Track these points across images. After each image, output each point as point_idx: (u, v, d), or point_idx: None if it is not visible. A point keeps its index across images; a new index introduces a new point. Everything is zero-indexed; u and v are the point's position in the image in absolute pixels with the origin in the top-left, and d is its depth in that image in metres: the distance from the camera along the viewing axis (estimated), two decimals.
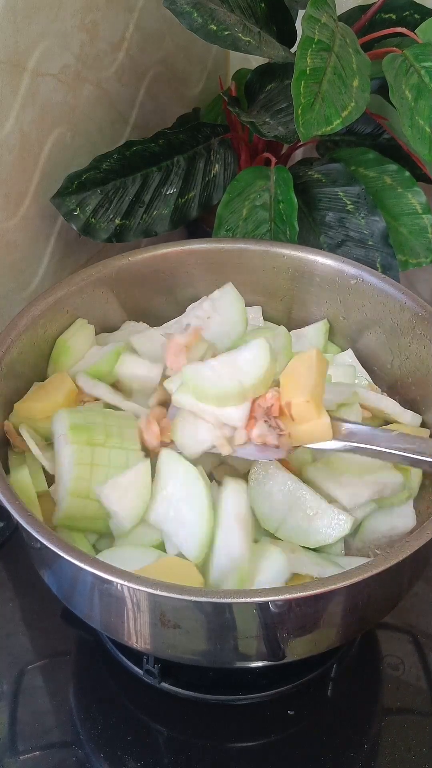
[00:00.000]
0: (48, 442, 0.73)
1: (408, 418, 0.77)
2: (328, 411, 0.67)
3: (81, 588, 0.64)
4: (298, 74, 0.76)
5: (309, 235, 0.89)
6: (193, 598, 0.57)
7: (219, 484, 0.69)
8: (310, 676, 0.75)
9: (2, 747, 0.71)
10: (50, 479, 0.72)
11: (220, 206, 0.89)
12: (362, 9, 0.93)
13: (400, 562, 0.59)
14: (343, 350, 0.85)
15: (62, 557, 0.59)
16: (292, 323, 0.86)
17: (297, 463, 0.73)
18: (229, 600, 0.57)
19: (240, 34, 0.82)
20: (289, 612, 0.59)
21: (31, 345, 0.77)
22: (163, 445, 0.70)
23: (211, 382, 0.66)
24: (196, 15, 0.79)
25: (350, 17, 0.93)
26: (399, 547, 0.60)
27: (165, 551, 0.67)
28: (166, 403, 0.73)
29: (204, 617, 0.60)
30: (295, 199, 0.85)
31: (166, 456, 0.69)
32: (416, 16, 0.92)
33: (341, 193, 0.89)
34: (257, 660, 0.66)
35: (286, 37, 0.92)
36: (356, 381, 0.82)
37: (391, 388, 0.82)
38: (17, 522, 0.61)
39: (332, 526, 0.69)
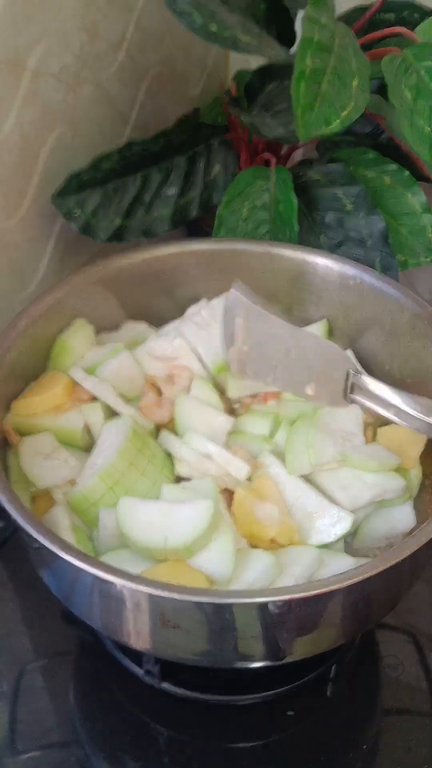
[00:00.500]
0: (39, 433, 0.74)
1: None
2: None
3: (80, 588, 0.64)
4: (297, 75, 0.76)
5: (309, 236, 0.89)
6: (193, 599, 0.57)
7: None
8: (310, 676, 0.75)
9: (2, 747, 0.71)
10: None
11: (220, 206, 0.89)
12: (362, 9, 0.93)
13: (400, 562, 0.59)
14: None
15: (62, 557, 0.59)
16: (292, 323, 0.86)
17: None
18: (229, 600, 0.57)
19: (240, 35, 0.81)
20: (289, 612, 0.59)
21: (31, 345, 0.77)
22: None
23: (138, 525, 0.65)
24: (196, 15, 0.79)
25: (350, 17, 0.93)
26: (399, 547, 0.60)
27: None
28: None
29: (204, 617, 0.60)
30: (295, 200, 0.85)
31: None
32: (416, 16, 0.92)
33: (341, 194, 0.89)
34: (257, 660, 0.66)
35: (286, 37, 0.92)
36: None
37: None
38: (17, 522, 0.61)
39: (333, 524, 0.69)
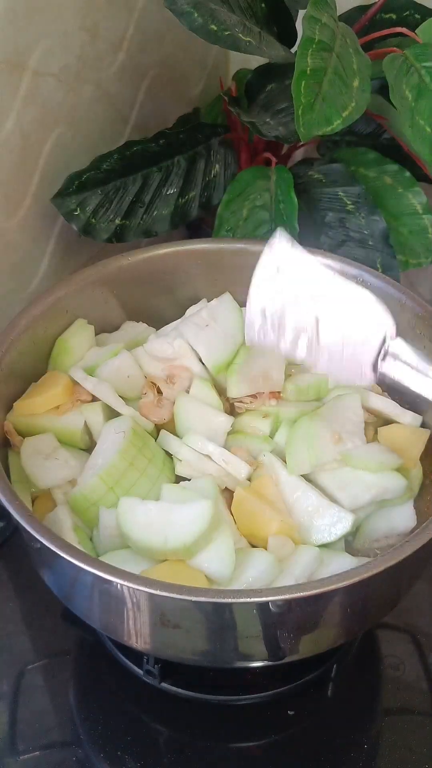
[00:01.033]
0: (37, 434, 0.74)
1: (408, 418, 0.77)
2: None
3: (81, 588, 0.64)
4: (298, 74, 0.76)
5: (309, 236, 0.89)
6: (193, 598, 0.57)
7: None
8: (310, 676, 0.75)
9: (2, 747, 0.71)
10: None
11: (220, 206, 0.89)
12: (363, 9, 0.93)
13: (400, 562, 0.59)
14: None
15: (62, 557, 0.59)
16: None
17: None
18: (229, 600, 0.57)
19: (240, 35, 0.82)
20: (289, 612, 0.59)
21: (31, 345, 0.77)
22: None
23: (138, 525, 0.65)
24: (196, 15, 0.79)
25: (351, 17, 0.93)
26: (399, 547, 0.60)
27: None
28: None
29: (204, 617, 0.60)
30: (296, 200, 0.85)
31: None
32: (417, 16, 0.92)
33: (341, 194, 0.89)
34: (257, 660, 0.66)
35: (287, 37, 0.92)
36: None
37: (392, 388, 0.81)
38: (18, 522, 0.61)
39: (333, 524, 0.69)
